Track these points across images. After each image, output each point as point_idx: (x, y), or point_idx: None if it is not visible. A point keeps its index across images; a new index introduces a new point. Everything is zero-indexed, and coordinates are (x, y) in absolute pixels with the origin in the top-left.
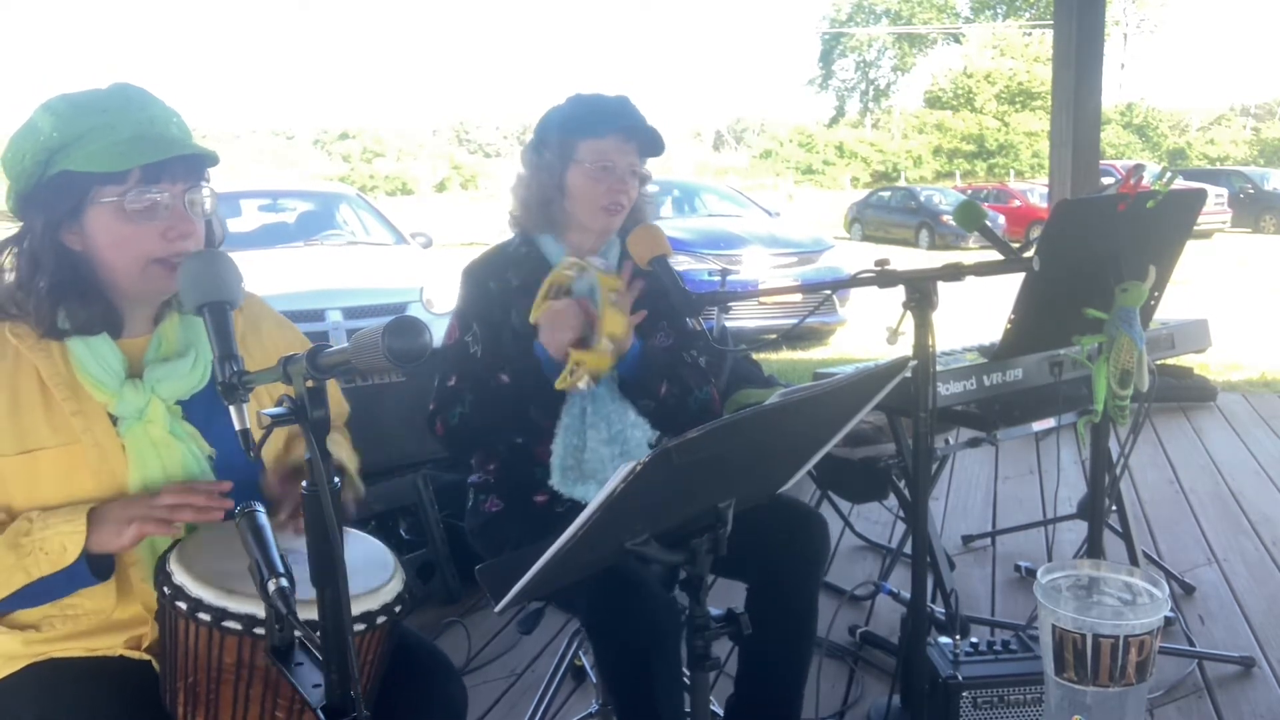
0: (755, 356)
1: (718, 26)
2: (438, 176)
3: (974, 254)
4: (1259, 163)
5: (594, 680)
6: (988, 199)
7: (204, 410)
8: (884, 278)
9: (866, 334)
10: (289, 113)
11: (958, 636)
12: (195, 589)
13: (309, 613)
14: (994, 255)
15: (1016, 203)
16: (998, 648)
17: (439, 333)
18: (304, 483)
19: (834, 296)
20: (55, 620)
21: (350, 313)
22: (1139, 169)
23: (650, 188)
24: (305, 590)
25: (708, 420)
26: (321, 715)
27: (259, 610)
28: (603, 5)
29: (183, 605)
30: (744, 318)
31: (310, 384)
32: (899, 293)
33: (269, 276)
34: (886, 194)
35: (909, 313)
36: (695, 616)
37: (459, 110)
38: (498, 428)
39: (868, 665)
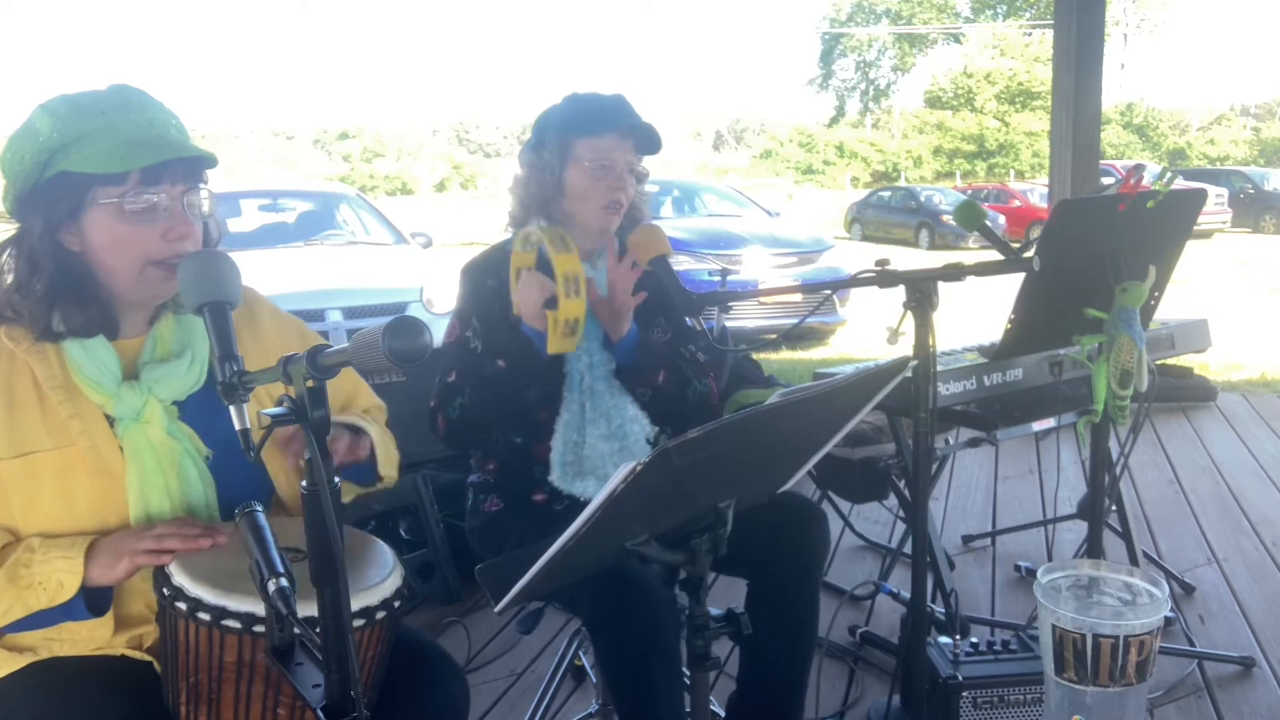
0: (755, 356)
1: (717, 26)
2: (438, 176)
3: (974, 254)
4: (1259, 163)
5: (594, 680)
6: (988, 199)
7: (200, 410)
8: (884, 278)
9: (867, 334)
10: (289, 113)
11: (958, 636)
12: (194, 589)
13: (309, 609)
14: (994, 255)
15: (1016, 203)
16: (998, 648)
17: (439, 333)
18: (303, 483)
19: (834, 296)
20: (54, 644)
21: (350, 313)
22: (1139, 169)
23: (648, 186)
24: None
25: (706, 413)
26: (321, 715)
27: (258, 608)
28: (602, 5)
29: (182, 605)
30: (744, 318)
31: (310, 384)
32: (899, 293)
33: (269, 276)
34: (887, 194)
35: (909, 313)
36: (695, 616)
37: (459, 110)
38: (498, 417)
39: (868, 665)
